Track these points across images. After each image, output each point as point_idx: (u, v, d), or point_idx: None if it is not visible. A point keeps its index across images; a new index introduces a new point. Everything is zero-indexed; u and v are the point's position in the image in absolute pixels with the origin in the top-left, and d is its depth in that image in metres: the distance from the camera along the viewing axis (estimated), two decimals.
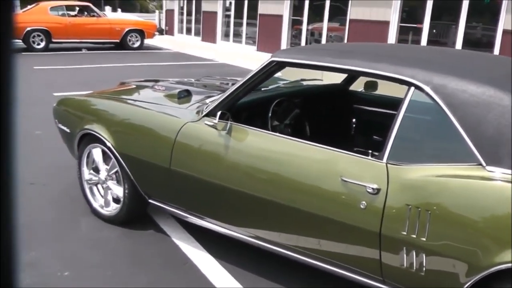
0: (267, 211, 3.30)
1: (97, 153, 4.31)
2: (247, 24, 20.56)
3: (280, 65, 3.44)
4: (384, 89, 4.68)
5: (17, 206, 0.78)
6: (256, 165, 3.32)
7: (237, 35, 21.34)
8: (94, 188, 4.51)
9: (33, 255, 3.81)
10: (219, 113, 3.41)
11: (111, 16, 21.06)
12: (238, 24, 21.25)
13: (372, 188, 2.78)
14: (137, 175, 3.99)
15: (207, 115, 3.58)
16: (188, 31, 25.16)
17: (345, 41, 15.43)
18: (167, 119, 3.78)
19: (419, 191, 2.69)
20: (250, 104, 3.87)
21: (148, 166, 3.86)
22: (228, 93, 3.54)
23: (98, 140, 4.19)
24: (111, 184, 4.30)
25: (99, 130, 4.11)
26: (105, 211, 4.39)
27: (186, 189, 3.73)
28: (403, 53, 3.57)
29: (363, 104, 4.92)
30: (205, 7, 23.08)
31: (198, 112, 3.70)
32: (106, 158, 4.28)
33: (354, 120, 4.94)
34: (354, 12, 15.16)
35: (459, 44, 12.55)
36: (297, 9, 17.87)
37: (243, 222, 3.53)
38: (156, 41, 21.04)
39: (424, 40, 13.31)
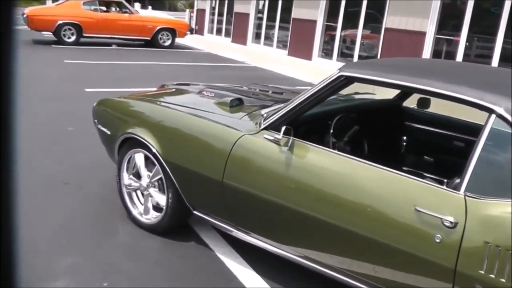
0: (326, 233, 3.11)
1: (139, 158, 4.13)
2: (279, 27, 20.36)
3: (349, 80, 3.24)
4: (436, 107, 4.55)
5: (17, 206, 0.77)
6: (320, 185, 3.10)
7: (268, 38, 21.15)
8: (133, 194, 4.33)
9: (69, 261, 3.65)
10: (283, 128, 3.20)
11: (143, 13, 20.92)
12: (269, 27, 21.05)
13: (449, 222, 2.57)
14: (183, 185, 3.81)
15: (266, 128, 3.42)
16: (219, 31, 25.03)
17: (379, 50, 15.18)
18: (222, 130, 3.60)
19: (500, 228, 2.49)
20: (307, 118, 3.66)
21: (196, 177, 3.68)
22: (291, 107, 3.35)
23: (141, 145, 4.01)
24: (153, 191, 4.11)
25: (144, 135, 3.93)
26: (144, 219, 4.20)
27: (238, 204, 3.54)
28: (479, 75, 3.37)
29: (415, 122, 4.72)
30: (238, 8, 22.92)
31: (256, 124, 3.53)
32: (148, 164, 4.11)
33: (404, 138, 4.74)
34: (390, 20, 14.86)
35: (496, 58, 12.25)
36: (331, 15, 17.61)
37: (297, 241, 3.34)
38: (186, 40, 20.92)
39: (460, 53, 13.00)
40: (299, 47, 18.60)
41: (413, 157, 4.72)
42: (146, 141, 3.90)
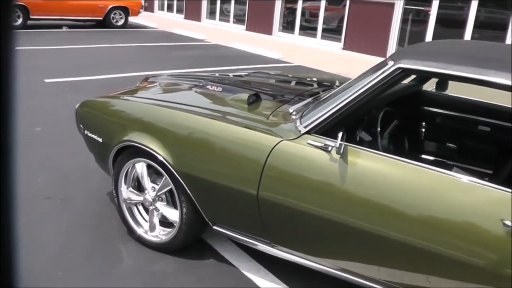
0: (389, 249, 2.69)
1: (141, 168, 3.56)
2: (235, 1, 19.72)
3: (407, 73, 2.83)
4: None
5: (17, 206, 0.78)
6: (387, 198, 2.64)
7: (223, 13, 20.48)
8: (134, 209, 3.76)
9: None
10: (340, 134, 2.69)
11: None
12: (224, 2, 20.37)
13: None
14: (203, 198, 3.27)
15: (309, 132, 2.92)
16: (170, 8, 24.16)
17: (344, 22, 14.78)
18: (253, 135, 3.05)
19: None
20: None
21: (221, 190, 3.14)
22: (339, 106, 2.86)
23: (144, 154, 3.43)
24: (161, 206, 3.56)
25: (147, 143, 3.35)
26: (152, 237, 3.64)
27: (276, 219, 3.04)
28: None
29: (436, 107, 4.34)
30: None
31: (292, 127, 3.03)
32: (149, 174, 3.56)
33: (424, 124, 4.36)
34: None
35: (469, 27, 12.12)
36: None
37: (343, 256, 2.94)
38: (138, 18, 19.98)
39: (432, 23, 12.74)
40: (258, 21, 18.06)
41: (436, 145, 4.36)
42: (151, 149, 3.32)
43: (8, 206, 0.76)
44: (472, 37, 12.12)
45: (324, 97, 3.29)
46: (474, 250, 2.43)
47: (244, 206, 3.10)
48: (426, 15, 12.89)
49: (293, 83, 4.79)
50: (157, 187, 3.51)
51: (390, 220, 2.61)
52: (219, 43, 15.50)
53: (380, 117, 3.39)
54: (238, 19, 19.55)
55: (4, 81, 0.71)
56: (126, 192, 3.68)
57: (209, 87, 4.02)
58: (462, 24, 12.24)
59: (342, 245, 2.88)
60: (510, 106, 3.92)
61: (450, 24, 12.95)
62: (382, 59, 10.91)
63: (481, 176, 3.86)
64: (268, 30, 17.62)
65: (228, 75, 4.87)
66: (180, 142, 3.31)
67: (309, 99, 3.59)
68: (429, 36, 12.85)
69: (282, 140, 2.93)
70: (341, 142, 2.68)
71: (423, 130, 4.35)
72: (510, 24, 11.48)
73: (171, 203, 3.51)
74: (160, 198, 3.55)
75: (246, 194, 3.00)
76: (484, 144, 4.08)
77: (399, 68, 2.76)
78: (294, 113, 3.26)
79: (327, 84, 4.40)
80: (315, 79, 4.84)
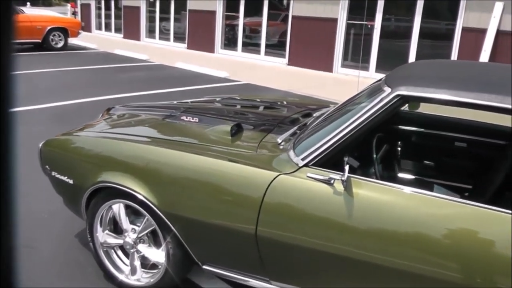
0: (398, 282, 2.60)
1: (119, 209, 3.36)
2: (175, 19, 19.56)
3: (406, 100, 2.76)
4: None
5: (17, 206, 0.79)
6: (398, 231, 2.54)
7: (163, 32, 20.28)
8: (112, 253, 3.55)
9: None
10: (347, 167, 2.59)
11: (29, 12, 19.16)
12: (164, 20, 20.17)
13: None
14: (193, 239, 3.10)
15: (307, 164, 2.79)
16: (108, 27, 23.78)
17: (288, 38, 14.84)
18: (247, 170, 2.88)
19: None
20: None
21: (213, 230, 2.97)
22: (337, 137, 2.77)
23: (122, 195, 3.22)
24: (143, 248, 3.38)
25: (125, 182, 3.13)
26: (134, 281, 3.43)
27: (276, 258, 2.90)
28: None
29: (411, 125, 4.33)
30: (126, 1, 21.78)
31: (286, 159, 2.90)
32: (128, 213, 3.37)
33: (399, 143, 4.32)
34: (297, 8, 14.54)
35: (415, 38, 12.44)
36: (230, 4, 17.08)
37: None
38: (77, 40, 19.47)
39: (376, 36, 12.95)
40: (199, 39, 17.96)
41: (415, 163, 4.33)
42: (129, 188, 3.11)
43: (8, 206, 0.76)
44: (418, 48, 12.36)
45: (316, 125, 3.20)
46: (491, 280, 2.37)
47: (240, 245, 2.94)
48: (371, 28, 13.07)
49: (267, 108, 4.68)
50: (137, 228, 3.33)
51: (398, 251, 2.53)
52: (162, 63, 15.28)
53: (374, 143, 3.31)
54: (178, 37, 19.39)
55: (4, 84, 0.72)
56: (103, 235, 3.48)
57: (184, 118, 3.84)
58: (407, 36, 12.48)
59: (349, 279, 2.77)
60: (484, 122, 3.96)
61: (395, 36, 13.18)
62: (328, 74, 10.97)
63: (461, 191, 3.89)
64: (210, 48, 17.54)
65: (199, 102, 4.67)
66: (164, 180, 3.09)
67: (294, 128, 3.48)
68: (374, 49, 13.04)
69: (279, 175, 2.78)
70: (349, 175, 2.60)
71: (401, 149, 4.31)
72: (455, 35, 11.77)
73: (154, 243, 3.33)
74: (141, 240, 3.36)
75: (243, 233, 2.85)
76: (462, 159, 4.10)
77: (398, 95, 2.70)
78: (282, 143, 3.14)
79: (304, 108, 4.30)
80: (286, 103, 4.77)
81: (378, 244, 2.56)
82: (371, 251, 2.58)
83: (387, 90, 2.76)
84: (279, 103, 4.79)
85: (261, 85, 11.70)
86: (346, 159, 2.90)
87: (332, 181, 2.66)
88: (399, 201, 2.60)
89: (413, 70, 3.26)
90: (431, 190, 3.79)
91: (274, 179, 2.78)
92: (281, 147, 3.11)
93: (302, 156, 2.82)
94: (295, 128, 3.47)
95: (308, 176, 2.73)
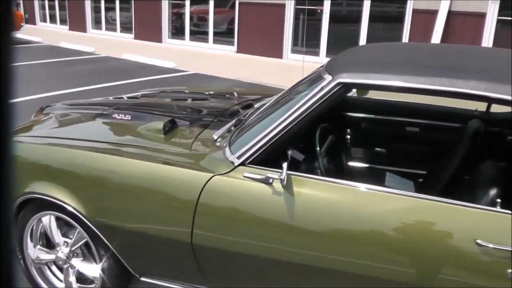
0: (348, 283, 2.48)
1: (49, 222, 3.11)
2: (120, 9, 19.13)
3: (349, 88, 2.62)
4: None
5: (15, 206, 0.82)
6: (345, 230, 2.42)
7: (109, 22, 19.84)
8: (46, 270, 3.28)
9: None
10: (285, 164, 2.42)
11: None
12: (109, 10, 19.72)
13: None
14: (126, 250, 2.89)
15: (244, 163, 2.60)
16: (53, 19, 23.06)
17: (236, 25, 14.68)
18: (179, 173, 2.67)
19: None
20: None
21: (147, 240, 2.77)
22: (275, 131, 2.57)
23: (51, 206, 2.97)
24: (77, 262, 3.12)
25: (52, 192, 2.87)
26: None
27: (215, 263, 2.73)
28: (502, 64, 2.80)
29: (359, 112, 4.19)
30: None
31: (222, 158, 2.70)
32: (60, 225, 3.13)
33: (349, 130, 4.20)
34: None
35: (365, 22, 12.44)
36: None
37: None
38: (20, 33, 18.86)
39: (326, 21, 12.91)
40: (146, 29, 17.63)
41: (366, 151, 4.21)
42: (57, 199, 2.86)
43: (7, 207, 0.75)
44: (369, 32, 12.37)
45: (253, 119, 3.00)
46: (449, 278, 2.31)
47: (177, 254, 2.76)
48: (320, 13, 13.01)
49: (206, 101, 4.40)
50: (70, 241, 3.08)
51: (345, 251, 2.42)
52: (109, 55, 14.94)
53: (317, 135, 3.11)
54: (125, 27, 18.99)
55: (4, 81, 0.71)
56: (34, 251, 3.21)
57: (115, 115, 3.56)
58: (357, 20, 12.47)
59: (295, 284, 2.63)
60: (437, 105, 3.87)
61: (345, 20, 13.18)
62: (278, 60, 10.78)
63: (416, 177, 3.83)
64: (157, 38, 17.25)
65: (135, 97, 4.36)
66: (92, 188, 2.84)
67: (232, 121, 3.27)
68: (324, 34, 13.01)
69: (213, 176, 2.58)
70: (287, 171, 2.42)
71: (351, 137, 4.18)
72: (406, 17, 11.82)
73: (89, 256, 3.08)
74: (75, 254, 3.11)
75: (178, 241, 2.66)
76: (415, 145, 4.01)
77: (340, 83, 2.54)
78: (219, 140, 2.95)
79: (245, 99, 4.12)
80: (231, 93, 4.56)
81: (321, 246, 2.45)
82: (315, 254, 2.46)
83: (328, 78, 2.60)
84: (219, 94, 4.58)
85: (209, 75, 11.53)
86: (289, 152, 2.77)
87: (270, 181, 2.50)
88: (343, 198, 2.47)
89: (355, 56, 3.08)
90: (383, 178, 3.72)
91: (208, 181, 2.59)
92: (217, 143, 2.93)
93: (238, 154, 2.64)
94: (233, 122, 3.27)
95: (244, 176, 2.56)
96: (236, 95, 4.48)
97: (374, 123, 4.13)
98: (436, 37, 11.05)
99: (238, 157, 2.63)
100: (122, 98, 4.37)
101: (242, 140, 2.73)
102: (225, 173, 2.60)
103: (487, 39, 10.85)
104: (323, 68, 2.83)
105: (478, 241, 2.19)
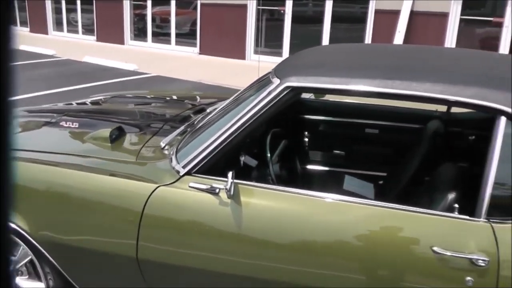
0: None
1: None
2: (82, 10, 18.81)
3: (298, 92, 2.53)
4: None
5: (14, 207, 0.74)
6: (296, 241, 2.34)
7: (71, 24, 19.50)
8: None
9: None
10: (230, 173, 2.33)
11: None
12: (71, 11, 19.37)
13: (481, 260, 2.09)
14: (72, 267, 2.76)
15: (189, 172, 2.50)
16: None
17: (198, 25, 14.55)
18: (123, 184, 2.56)
19: None
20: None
21: (93, 256, 2.64)
22: (221, 138, 2.49)
23: None
24: (22, 281, 2.94)
25: None
26: None
27: (162, 279, 2.60)
28: (465, 66, 2.75)
29: (317, 114, 4.12)
30: None
31: (167, 168, 2.59)
32: None
33: (306, 133, 4.12)
34: None
35: (327, 22, 12.43)
36: None
37: None
38: None
39: (288, 22, 12.89)
40: (108, 31, 17.37)
41: (325, 154, 4.13)
42: None
43: (7, 208, 0.76)
44: (331, 32, 12.35)
45: (200, 126, 2.90)
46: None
47: (122, 270, 2.65)
48: (282, 13, 12.95)
49: (158, 105, 4.25)
50: (14, 258, 2.88)
51: (296, 263, 2.34)
52: (70, 57, 14.69)
53: (268, 141, 3.02)
54: (88, 29, 18.68)
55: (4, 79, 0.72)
56: None
57: (63, 123, 3.43)
58: (320, 20, 12.44)
59: None
60: (395, 106, 3.81)
61: (307, 20, 13.15)
62: (241, 61, 10.64)
63: (377, 179, 3.78)
64: (120, 40, 17.02)
65: (84, 103, 4.25)
66: (34, 202, 2.71)
67: (181, 128, 3.16)
68: (286, 35, 12.96)
69: (158, 187, 2.48)
70: (232, 180, 2.32)
71: (309, 140, 4.11)
72: (368, 17, 11.84)
73: (34, 274, 2.92)
74: (20, 272, 2.93)
75: (123, 257, 2.55)
76: (374, 146, 3.96)
77: (288, 87, 2.46)
78: (166, 147, 2.84)
79: (198, 103, 4.02)
80: (187, 97, 4.44)
81: (271, 257, 2.37)
82: (265, 266, 2.38)
83: (276, 81, 2.52)
84: (172, 98, 4.45)
85: (171, 77, 11.42)
86: (242, 159, 2.70)
87: (216, 191, 2.40)
88: (293, 207, 2.40)
89: (305, 58, 3.00)
90: (342, 181, 3.66)
91: (152, 192, 2.48)
92: (165, 151, 2.82)
93: (183, 163, 2.54)
94: (182, 128, 3.16)
95: (190, 186, 2.46)
96: (192, 99, 4.37)
97: (333, 125, 4.07)
98: (399, 38, 11.07)
99: (184, 166, 2.53)
100: (71, 104, 4.23)
101: (188, 148, 2.63)
102: (170, 184, 2.50)
103: (450, 39, 10.92)
104: (272, 72, 2.75)
105: (435, 248, 2.15)
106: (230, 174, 2.32)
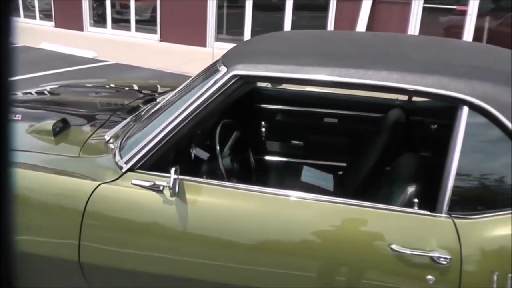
0: None
1: None
2: None
3: (247, 81, 2.36)
4: None
5: (15, 207, 0.82)
6: (246, 242, 2.20)
7: (28, 8, 18.97)
8: None
9: None
10: (173, 169, 2.15)
11: None
12: None
13: (443, 258, 1.99)
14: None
15: (132, 168, 2.32)
16: None
17: (158, 12, 14.29)
18: (63, 183, 2.37)
19: (505, 251, 1.98)
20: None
21: (32, 261, 2.41)
22: (165, 131, 2.31)
23: None
24: None
25: None
26: None
27: (107, 285, 2.41)
28: (427, 53, 2.61)
29: (274, 103, 3.96)
30: None
31: (111, 164, 2.41)
32: None
33: (263, 123, 3.97)
34: None
35: (289, 10, 12.30)
36: None
37: None
38: None
39: (249, 8, 12.77)
40: (67, 16, 16.97)
41: (283, 144, 3.99)
42: None
43: (7, 208, 0.76)
44: (293, 20, 12.23)
45: (147, 117, 2.73)
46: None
47: (65, 277, 2.46)
48: (243, 1, 12.79)
49: (107, 95, 4.05)
50: None
51: (260, 268, 2.21)
52: (26, 44, 14.28)
53: (218, 132, 2.87)
54: (45, 15, 18.21)
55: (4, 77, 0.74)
56: None
57: None
58: (282, 8, 12.32)
59: None
60: (355, 94, 3.69)
61: (270, 8, 13.02)
62: (202, 49, 10.38)
63: (336, 169, 3.67)
64: (79, 26, 16.62)
65: (29, 93, 4.00)
66: None
67: (128, 119, 2.99)
68: (248, 23, 12.81)
69: (100, 184, 2.29)
70: (175, 177, 2.15)
71: (266, 130, 3.96)
72: (330, 5, 11.74)
73: None
74: None
75: (65, 261, 2.36)
76: (334, 136, 3.83)
77: (235, 76, 2.31)
78: (111, 141, 2.65)
79: (149, 92, 3.83)
80: (139, 86, 4.24)
81: (220, 258, 2.23)
82: (213, 268, 2.23)
83: (223, 70, 2.37)
84: (123, 87, 4.23)
85: (130, 65, 11.17)
86: (193, 151, 2.56)
87: (160, 188, 2.24)
88: (241, 204, 2.25)
89: (255, 45, 2.85)
90: (299, 172, 3.54)
91: (94, 191, 2.29)
92: (110, 145, 2.64)
93: (126, 159, 2.36)
94: (128, 120, 2.98)
95: (133, 184, 2.28)
96: (146, 87, 4.18)
97: (291, 114, 3.93)
98: (361, 26, 11.01)
99: (127, 162, 2.35)
100: (16, 94, 4.01)
101: (132, 142, 2.46)
102: (112, 181, 2.32)
103: (413, 27, 10.88)
104: (220, 60, 2.59)
105: (393, 246, 2.04)
106: (173, 170, 2.16)
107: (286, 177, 3.58)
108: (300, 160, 3.87)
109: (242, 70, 2.32)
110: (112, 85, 4.25)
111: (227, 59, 2.48)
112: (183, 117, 2.31)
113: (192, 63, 10.99)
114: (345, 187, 3.27)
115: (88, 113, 3.32)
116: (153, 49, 13.42)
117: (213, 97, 2.32)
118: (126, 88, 4.21)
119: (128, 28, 15.60)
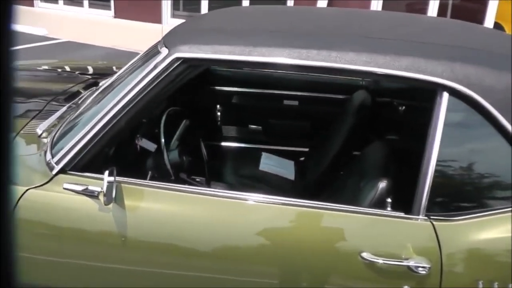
0: None
1: None
2: None
3: (191, 64, 2.06)
4: None
5: (15, 207, 0.84)
6: (193, 252, 1.94)
7: None
8: None
9: None
10: (107, 172, 1.86)
11: None
12: None
13: (421, 267, 1.77)
14: None
15: (64, 170, 2.02)
16: None
17: None
18: None
19: (490, 257, 1.79)
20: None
21: None
22: (100, 124, 2.01)
23: None
24: None
25: None
26: None
27: None
28: (399, 33, 2.31)
29: (228, 85, 3.69)
30: None
31: (41, 165, 2.10)
32: None
33: (218, 107, 3.68)
34: None
35: None
36: None
37: None
38: None
39: None
40: None
41: (240, 129, 3.73)
42: None
43: (7, 207, 0.75)
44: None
45: (83, 107, 2.41)
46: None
47: None
48: None
49: (44, 80, 3.66)
50: None
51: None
52: None
53: (163, 123, 2.58)
54: None
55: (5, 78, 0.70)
56: None
57: None
58: None
59: None
60: (317, 75, 3.40)
61: None
62: (158, 26, 9.91)
63: (297, 155, 3.41)
64: (28, 1, 15.96)
65: None
66: None
67: (64, 108, 2.66)
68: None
69: (27, 190, 1.99)
70: (110, 181, 1.86)
71: (221, 115, 3.67)
72: None
73: None
74: None
75: None
76: (294, 120, 3.58)
77: (178, 59, 2.01)
78: (44, 135, 2.34)
79: (90, 75, 3.50)
80: (90, 69, 3.91)
81: (162, 266, 1.98)
82: (155, 276, 1.98)
83: (164, 52, 2.08)
84: (65, 69, 3.85)
85: (83, 43, 10.73)
86: (138, 142, 2.26)
87: (95, 193, 1.94)
88: (187, 211, 1.98)
89: (206, 23, 2.55)
90: (258, 158, 3.29)
91: (21, 197, 1.98)
92: (43, 140, 2.32)
93: (57, 158, 2.05)
94: (64, 109, 2.64)
95: (64, 188, 1.98)
96: (92, 69, 3.84)
97: (248, 96, 3.66)
98: (322, 3, 10.69)
99: (58, 162, 2.04)
100: None
101: (65, 138, 2.14)
102: (41, 185, 2.02)
103: (376, 4, 10.61)
104: (161, 41, 2.29)
105: (364, 254, 1.80)
106: (106, 172, 1.86)
107: (243, 166, 3.31)
108: (258, 146, 3.61)
109: (185, 52, 2.03)
110: (53, 68, 3.88)
111: (170, 39, 2.18)
112: (119, 108, 2.02)
113: (147, 41, 10.51)
114: (307, 175, 3.04)
115: (21, 101, 2.95)
116: (107, 26, 12.92)
117: (154, 84, 2.02)
118: (67, 69, 3.82)
119: (81, 4, 15.01)
